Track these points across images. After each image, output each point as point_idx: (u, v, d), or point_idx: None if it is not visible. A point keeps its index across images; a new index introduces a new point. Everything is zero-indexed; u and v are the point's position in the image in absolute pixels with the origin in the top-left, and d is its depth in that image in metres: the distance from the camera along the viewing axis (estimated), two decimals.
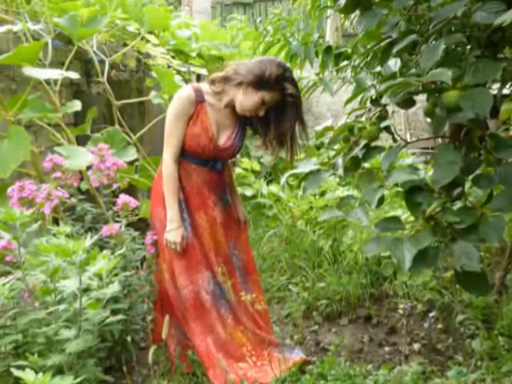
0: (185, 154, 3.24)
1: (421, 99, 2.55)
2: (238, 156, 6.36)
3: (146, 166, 4.33)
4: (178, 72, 5.13)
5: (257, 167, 6.83)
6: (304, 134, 3.25)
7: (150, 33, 5.16)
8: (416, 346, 3.63)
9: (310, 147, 7.10)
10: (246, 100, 3.11)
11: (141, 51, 5.09)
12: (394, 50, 2.24)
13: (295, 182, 6.21)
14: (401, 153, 5.98)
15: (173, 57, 5.55)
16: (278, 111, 3.16)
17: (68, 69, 3.70)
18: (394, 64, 2.32)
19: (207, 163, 3.28)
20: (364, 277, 4.50)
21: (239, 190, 5.66)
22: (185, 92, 3.19)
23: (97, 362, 2.77)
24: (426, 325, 3.94)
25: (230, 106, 3.22)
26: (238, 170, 6.34)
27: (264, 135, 3.26)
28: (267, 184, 6.54)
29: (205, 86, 3.24)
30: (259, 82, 3.03)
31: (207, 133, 3.17)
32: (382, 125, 2.39)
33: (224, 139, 3.26)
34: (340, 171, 2.51)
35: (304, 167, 2.61)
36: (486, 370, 3.08)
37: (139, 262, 3.40)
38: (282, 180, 2.87)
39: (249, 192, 6.17)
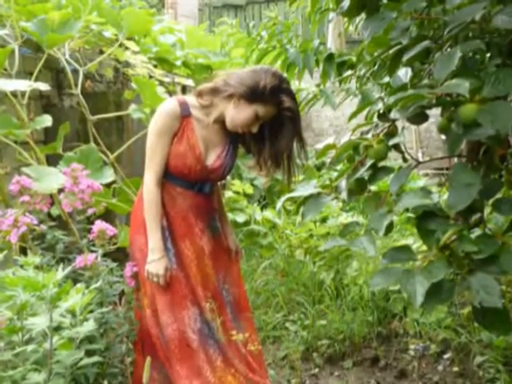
0: (169, 176, 3.22)
1: (434, 114, 2.56)
2: (229, 178, 6.36)
3: (124, 189, 4.33)
4: (161, 83, 5.15)
5: (250, 190, 6.79)
6: (303, 152, 3.23)
7: (130, 39, 5.17)
8: None
9: (309, 168, 7.09)
10: (238, 114, 3.08)
11: (119, 60, 5.11)
12: (405, 58, 2.24)
13: (293, 206, 6.21)
14: (412, 174, 6.00)
15: (155, 66, 5.57)
16: (273, 127, 3.15)
17: (37, 79, 3.71)
18: (404, 74, 2.34)
19: (194, 186, 3.25)
20: (370, 314, 4.51)
21: (230, 215, 5.66)
22: (168, 105, 3.17)
23: None
24: (440, 367, 3.95)
25: (220, 121, 3.19)
26: (228, 194, 6.32)
27: (258, 154, 3.25)
28: (261, 209, 6.54)
29: (191, 99, 3.22)
30: (252, 94, 3.01)
31: (194, 151, 3.14)
32: (391, 142, 2.39)
33: (213, 159, 3.23)
34: (343, 195, 2.52)
35: (303, 190, 2.59)
36: None
37: (117, 296, 3.38)
38: (278, 205, 2.87)
39: (241, 218, 6.13)
